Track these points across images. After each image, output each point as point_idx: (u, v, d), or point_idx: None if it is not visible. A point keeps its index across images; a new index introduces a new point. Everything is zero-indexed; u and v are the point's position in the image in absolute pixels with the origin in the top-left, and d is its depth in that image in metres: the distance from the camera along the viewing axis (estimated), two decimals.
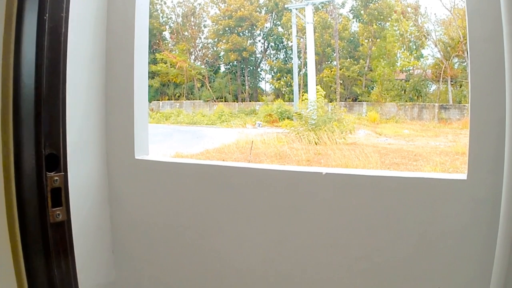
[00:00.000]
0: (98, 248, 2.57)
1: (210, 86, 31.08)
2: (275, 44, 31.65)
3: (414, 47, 26.02)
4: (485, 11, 1.85)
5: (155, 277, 2.59)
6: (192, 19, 32.18)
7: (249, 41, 31.53)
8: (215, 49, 32.52)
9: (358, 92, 26.91)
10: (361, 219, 2.08)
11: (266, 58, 32.11)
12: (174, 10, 32.71)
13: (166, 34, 33.11)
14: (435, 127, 19.88)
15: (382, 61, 25.39)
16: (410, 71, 26.03)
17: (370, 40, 27.04)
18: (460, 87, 24.75)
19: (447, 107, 22.72)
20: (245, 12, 30.08)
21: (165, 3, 32.55)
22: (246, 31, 31.27)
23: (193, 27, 32.17)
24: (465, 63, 24.15)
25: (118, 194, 2.61)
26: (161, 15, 32.64)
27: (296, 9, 24.07)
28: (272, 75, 31.53)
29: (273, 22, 31.38)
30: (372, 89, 26.59)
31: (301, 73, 26.74)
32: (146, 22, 2.62)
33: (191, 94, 31.11)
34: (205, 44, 32.82)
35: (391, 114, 23.13)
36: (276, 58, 31.83)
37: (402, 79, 25.55)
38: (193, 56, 32.66)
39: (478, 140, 1.92)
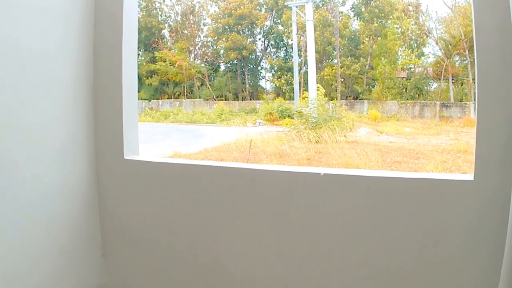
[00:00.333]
0: (88, 252, 2.53)
1: (210, 85, 31.05)
2: (275, 42, 31.67)
3: (415, 45, 26.01)
4: (493, 0, 1.74)
5: (146, 282, 2.54)
6: (191, 18, 32.15)
7: (249, 40, 31.54)
8: (214, 47, 32.54)
9: (359, 90, 26.88)
10: (362, 222, 2.02)
11: (267, 56, 32.15)
12: (173, 8, 32.73)
13: (165, 32, 33.11)
14: (437, 125, 19.79)
15: (383, 59, 25.36)
16: (411, 69, 25.99)
17: (371, 38, 27.01)
18: (461, 85, 24.76)
19: (448, 105, 22.70)
20: (244, 10, 30.03)
21: (164, 1, 32.58)
22: (246, 29, 31.29)
23: (193, 26, 32.15)
24: (466, 61, 24.13)
25: (107, 196, 2.57)
26: (160, 13, 32.68)
27: (297, 6, 23.99)
28: (273, 74, 31.57)
29: (273, 20, 31.37)
30: (373, 87, 26.59)
31: (301, 71, 26.74)
32: (134, 17, 2.57)
33: (191, 93, 31.12)
34: (205, 43, 32.88)
35: (392, 112, 23.10)
36: (277, 57, 31.86)
37: (403, 77, 25.56)
38: (192, 55, 32.69)
39: (485, 138, 1.83)
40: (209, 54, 32.83)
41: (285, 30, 29.73)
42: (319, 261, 2.12)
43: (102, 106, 2.53)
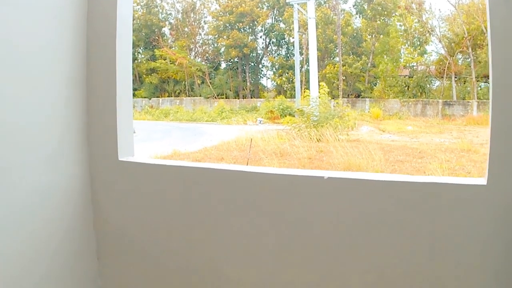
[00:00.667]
0: (82, 256, 2.46)
1: (210, 83, 31.18)
2: (276, 40, 31.79)
3: (418, 43, 26.03)
4: None
5: (142, 286, 2.47)
6: (192, 15, 32.17)
7: (250, 37, 31.57)
8: (215, 45, 32.63)
9: (361, 89, 26.97)
10: (368, 229, 1.90)
11: (268, 54, 32.22)
12: (174, 6, 32.74)
13: (166, 30, 33.13)
14: (439, 124, 19.81)
15: (385, 57, 25.40)
16: (414, 67, 26.02)
17: (373, 36, 27.05)
18: (464, 83, 24.82)
19: (451, 103, 22.71)
20: (246, 8, 30.08)
21: None
22: (247, 27, 31.41)
23: (193, 23, 32.18)
24: (469, 59, 24.08)
25: (101, 199, 2.49)
26: (160, 11, 32.76)
27: (298, 4, 23.91)
28: (274, 72, 31.66)
29: (274, 18, 31.38)
30: (375, 86, 26.65)
31: (303, 69, 26.75)
32: (129, 13, 2.46)
33: (192, 91, 31.16)
34: (205, 41, 32.98)
35: (394, 111, 23.18)
36: (278, 54, 32.01)
37: (406, 75, 25.62)
38: (193, 53, 32.80)
39: (500, 140, 1.67)
40: (210, 52, 33.03)
41: (287, 28, 29.86)
42: (322, 268, 2.01)
43: (95, 105, 2.43)
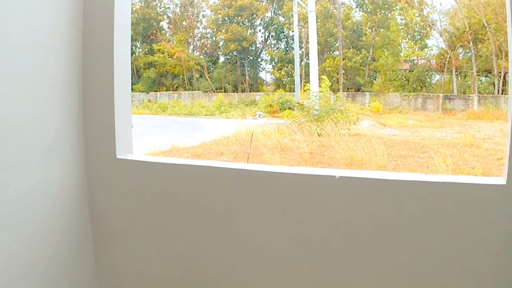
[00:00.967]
0: (80, 256, 2.42)
1: (209, 77, 31.20)
2: (275, 34, 31.79)
3: (419, 37, 26.01)
4: None
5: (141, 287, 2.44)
6: (190, 9, 32.10)
7: (249, 31, 31.52)
8: (214, 39, 32.60)
9: (361, 82, 27.00)
10: (382, 231, 1.82)
11: (267, 48, 32.19)
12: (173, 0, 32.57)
13: (164, 24, 33.08)
14: (440, 118, 19.78)
15: (385, 51, 25.31)
16: (414, 61, 26.00)
17: (373, 29, 26.99)
18: (465, 77, 24.77)
19: (452, 97, 22.70)
20: (245, 1, 30.10)
21: None
22: (246, 21, 31.39)
23: (192, 17, 32.10)
24: (470, 54, 24.03)
25: (99, 198, 2.44)
26: (158, 5, 32.66)
27: None
28: (273, 65, 31.68)
29: (274, 11, 31.31)
30: (375, 79, 26.62)
31: (302, 63, 26.69)
32: (127, 5, 2.39)
33: (190, 85, 31.17)
34: (204, 34, 32.98)
35: (395, 105, 23.18)
36: (277, 48, 32.03)
37: (406, 69, 25.63)
38: (191, 46, 32.81)
39: None
40: (208, 45, 33.06)
41: (286, 21, 29.83)
42: (335, 274, 1.92)
43: (92, 101, 2.36)
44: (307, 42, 23.33)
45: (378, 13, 26.88)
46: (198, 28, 32.86)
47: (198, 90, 30.27)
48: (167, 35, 32.91)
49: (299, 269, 1.98)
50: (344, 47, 27.81)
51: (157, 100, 29.53)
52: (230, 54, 32.35)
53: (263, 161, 10.70)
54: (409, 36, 25.97)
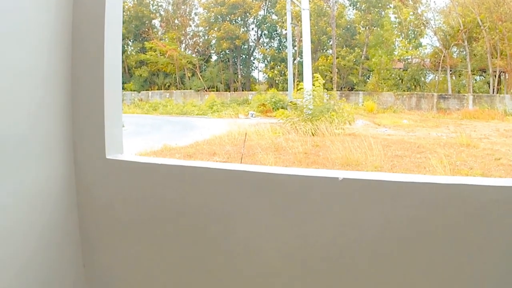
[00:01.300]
0: (67, 262, 2.33)
1: (201, 76, 31.28)
2: (268, 32, 31.99)
3: (413, 35, 26.07)
4: None
5: None
6: (182, 7, 32.10)
7: (242, 29, 31.61)
8: (206, 37, 32.72)
9: (354, 81, 27.09)
10: (390, 237, 1.70)
11: (260, 46, 32.27)
12: None
13: (156, 22, 33.13)
14: (435, 117, 19.88)
15: (379, 49, 25.42)
16: (408, 60, 26.16)
17: (367, 28, 27.05)
18: (459, 76, 24.84)
19: (446, 96, 22.80)
20: None
21: None
22: (239, 19, 31.49)
23: (184, 15, 32.11)
24: (464, 52, 24.06)
25: (87, 200, 2.35)
26: (151, 2, 32.67)
27: None
28: (266, 64, 31.76)
29: (267, 9, 31.33)
30: (369, 78, 26.69)
31: (295, 61, 26.67)
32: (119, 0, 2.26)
33: (182, 84, 31.23)
34: (196, 32, 33.05)
35: (388, 104, 23.27)
36: (270, 47, 32.12)
37: (400, 68, 25.77)
38: (183, 45, 32.90)
39: None
40: (201, 44, 33.21)
41: (279, 19, 29.87)
42: (335, 278, 1.79)
43: (81, 98, 2.26)
44: (300, 41, 23.40)
45: (372, 12, 27.00)
46: (191, 26, 33.02)
47: (190, 89, 30.39)
48: (159, 33, 33.08)
49: (299, 275, 1.85)
50: (337, 46, 27.97)
51: (149, 99, 29.61)
52: (223, 52, 32.49)
53: (257, 161, 10.63)
54: (403, 35, 26.13)
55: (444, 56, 24.41)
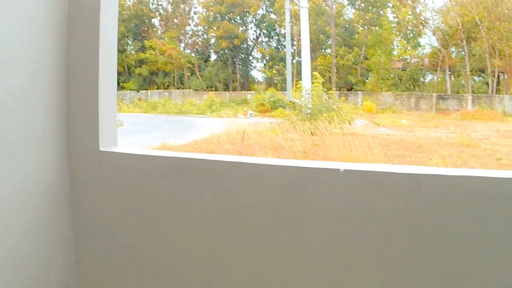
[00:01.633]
0: (58, 259, 2.29)
1: (200, 75, 31.32)
2: (267, 31, 32.07)
3: (411, 35, 26.10)
4: None
5: None
6: (182, 6, 32.10)
7: (241, 28, 31.69)
8: (205, 36, 32.76)
9: (353, 81, 27.08)
10: (392, 232, 1.67)
11: (258, 45, 32.28)
12: None
13: (156, 21, 33.18)
14: (434, 118, 19.87)
15: (378, 49, 25.41)
16: (407, 60, 26.16)
17: (365, 27, 27.02)
18: (458, 76, 24.84)
19: (445, 97, 22.80)
20: None
21: None
22: (238, 18, 31.52)
23: (183, 14, 32.13)
24: (463, 52, 24.07)
25: (80, 194, 2.32)
26: (151, 1, 32.80)
27: None
28: (264, 64, 31.80)
29: (265, 8, 31.39)
30: (368, 78, 26.69)
31: (294, 61, 26.66)
32: None
33: (181, 83, 31.24)
34: (195, 32, 33.14)
35: (387, 104, 23.24)
36: (268, 46, 32.25)
37: (399, 68, 25.74)
38: (183, 44, 32.92)
39: None
40: (200, 43, 33.18)
41: (278, 18, 29.89)
42: (338, 280, 1.76)
43: (74, 89, 2.23)
44: (299, 40, 23.39)
45: (370, 11, 27.00)
46: (190, 25, 33.06)
47: (189, 88, 30.41)
48: (159, 32, 33.08)
49: (299, 267, 1.82)
50: (336, 45, 27.99)
51: (148, 98, 29.64)
52: (222, 52, 32.50)
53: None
54: (401, 35, 26.15)
55: (443, 56, 24.43)
